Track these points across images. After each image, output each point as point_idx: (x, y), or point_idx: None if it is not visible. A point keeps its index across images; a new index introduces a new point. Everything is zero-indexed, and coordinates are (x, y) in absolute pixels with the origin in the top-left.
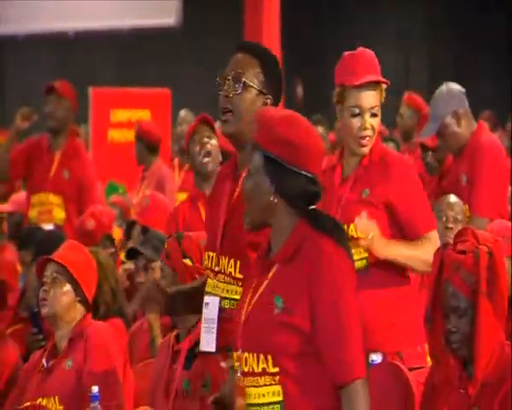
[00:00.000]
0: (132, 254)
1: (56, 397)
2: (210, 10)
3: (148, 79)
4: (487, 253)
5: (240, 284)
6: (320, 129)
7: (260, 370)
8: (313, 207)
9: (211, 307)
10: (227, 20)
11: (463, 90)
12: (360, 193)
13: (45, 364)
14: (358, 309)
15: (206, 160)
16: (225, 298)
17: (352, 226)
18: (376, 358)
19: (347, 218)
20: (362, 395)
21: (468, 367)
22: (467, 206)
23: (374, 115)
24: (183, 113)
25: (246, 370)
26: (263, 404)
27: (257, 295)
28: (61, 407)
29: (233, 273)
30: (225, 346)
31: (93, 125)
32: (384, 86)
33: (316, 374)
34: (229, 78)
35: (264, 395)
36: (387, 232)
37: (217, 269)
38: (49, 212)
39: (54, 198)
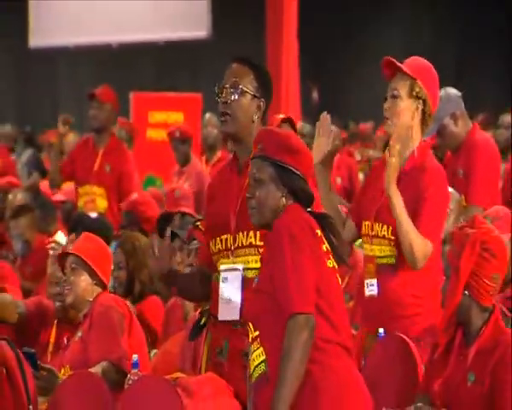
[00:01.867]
0: (170, 237)
1: (68, 366)
2: (236, 23)
3: (182, 84)
4: (465, 235)
5: (260, 251)
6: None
7: (251, 339)
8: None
9: (231, 280)
10: (251, 32)
11: (460, 93)
12: None
13: (65, 341)
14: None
15: None
16: (246, 269)
17: (384, 227)
18: (382, 331)
19: (381, 218)
20: (302, 329)
21: (467, 336)
22: (463, 196)
23: (393, 97)
24: (207, 116)
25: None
26: (255, 367)
27: None
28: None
29: (253, 242)
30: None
31: (134, 125)
32: (420, 83)
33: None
34: (227, 86)
35: (254, 359)
36: None
37: (233, 247)
38: (93, 201)
39: (97, 189)
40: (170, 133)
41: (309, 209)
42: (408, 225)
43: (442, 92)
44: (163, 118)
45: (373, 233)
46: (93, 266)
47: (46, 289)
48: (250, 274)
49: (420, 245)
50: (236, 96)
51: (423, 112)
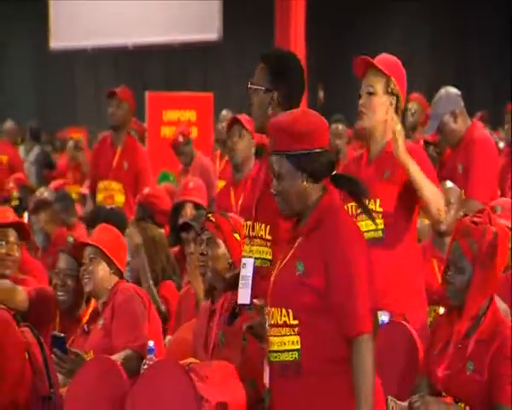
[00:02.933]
0: (184, 228)
1: (91, 352)
2: (246, 26)
3: (194, 84)
4: (493, 232)
5: (269, 245)
6: (340, 126)
7: (282, 322)
8: (334, 172)
9: (247, 266)
10: (260, 34)
11: (459, 92)
12: (382, 174)
13: (86, 328)
14: (372, 273)
15: (232, 154)
16: (258, 258)
17: (372, 201)
18: (385, 318)
19: (370, 194)
20: (369, 347)
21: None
22: (463, 190)
23: (369, 93)
24: (224, 112)
25: (272, 322)
26: (283, 351)
27: (284, 261)
28: None
29: (264, 236)
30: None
31: (148, 123)
32: (394, 80)
33: (329, 327)
34: (250, 85)
35: (284, 344)
36: (401, 205)
37: (252, 234)
38: (112, 197)
39: (115, 185)
40: (173, 141)
41: (334, 173)
42: (430, 184)
43: (442, 91)
44: (176, 116)
45: (359, 211)
46: (110, 255)
47: None
48: (259, 263)
49: (442, 202)
50: (253, 97)
51: (396, 107)
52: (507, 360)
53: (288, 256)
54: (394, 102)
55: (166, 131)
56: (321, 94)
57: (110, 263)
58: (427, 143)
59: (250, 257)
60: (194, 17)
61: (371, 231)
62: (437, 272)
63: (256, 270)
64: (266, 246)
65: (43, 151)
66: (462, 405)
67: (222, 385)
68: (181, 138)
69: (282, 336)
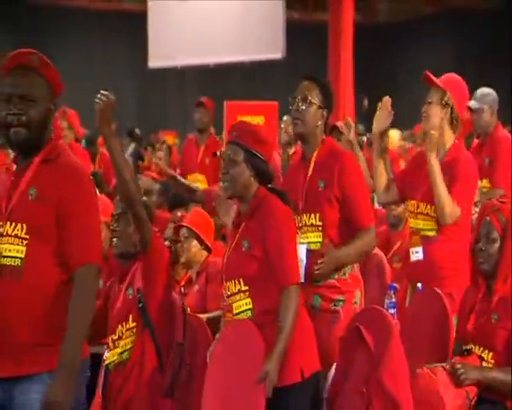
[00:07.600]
0: None
1: (188, 309)
2: (305, 47)
3: (263, 94)
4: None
5: (320, 229)
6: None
7: (236, 290)
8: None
9: (300, 251)
10: (316, 54)
11: (497, 97)
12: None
13: (183, 290)
14: None
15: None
16: (309, 243)
17: (428, 205)
18: (420, 285)
19: (426, 199)
20: (295, 296)
21: (490, 287)
22: (488, 179)
23: (428, 103)
24: (285, 117)
25: (229, 293)
26: (240, 312)
27: (233, 244)
28: None
29: (314, 222)
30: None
31: (226, 127)
32: (448, 93)
33: (267, 287)
34: (299, 97)
35: (240, 306)
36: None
37: (300, 225)
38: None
39: (200, 176)
40: None
41: (270, 186)
42: (441, 184)
43: (489, 89)
44: (248, 121)
45: (418, 211)
46: (201, 235)
47: None
48: (312, 246)
49: (449, 204)
50: (305, 106)
51: (451, 117)
52: None
53: (235, 239)
54: (449, 112)
55: None
56: (365, 103)
57: (201, 241)
58: None
59: (302, 243)
60: (263, 40)
61: (427, 230)
62: None
63: (309, 252)
64: (316, 231)
65: (136, 148)
66: (490, 355)
67: None
68: None
69: (238, 301)
